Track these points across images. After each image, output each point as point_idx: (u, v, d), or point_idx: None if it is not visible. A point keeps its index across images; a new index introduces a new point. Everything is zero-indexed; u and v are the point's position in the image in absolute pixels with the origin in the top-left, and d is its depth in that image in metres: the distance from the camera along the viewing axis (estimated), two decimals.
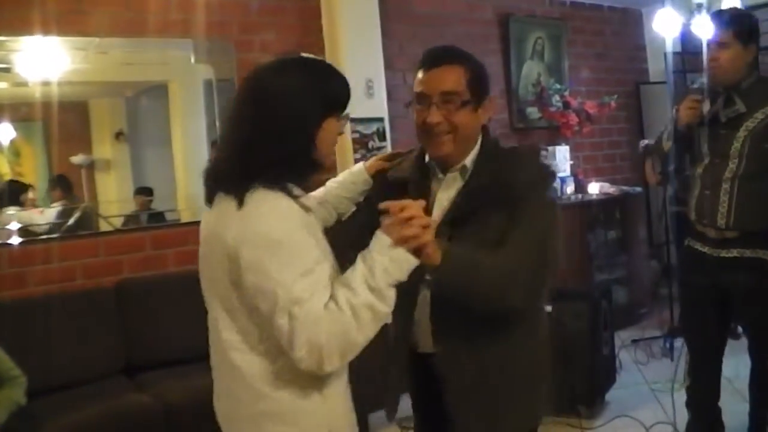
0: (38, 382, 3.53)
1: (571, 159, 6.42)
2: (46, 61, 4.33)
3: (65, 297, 4.16)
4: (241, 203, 1.71)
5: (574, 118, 6.37)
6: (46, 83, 4.35)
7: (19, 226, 4.32)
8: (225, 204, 1.76)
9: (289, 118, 1.76)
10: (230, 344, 1.83)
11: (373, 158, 2.43)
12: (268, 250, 1.66)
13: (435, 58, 2.12)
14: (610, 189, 6.44)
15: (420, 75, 2.12)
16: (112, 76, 4.81)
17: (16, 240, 4.24)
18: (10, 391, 3.30)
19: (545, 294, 2.14)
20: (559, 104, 6.40)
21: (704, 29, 3.45)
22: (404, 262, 1.72)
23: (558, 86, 6.52)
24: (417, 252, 1.74)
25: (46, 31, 4.27)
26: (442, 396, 2.13)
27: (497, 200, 2.03)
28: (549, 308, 4.33)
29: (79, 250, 4.41)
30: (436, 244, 1.79)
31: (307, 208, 1.81)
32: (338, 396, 1.90)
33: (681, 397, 4.09)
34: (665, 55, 6.38)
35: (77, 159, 4.71)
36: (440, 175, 2.18)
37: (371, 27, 5.23)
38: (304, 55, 1.91)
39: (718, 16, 3.44)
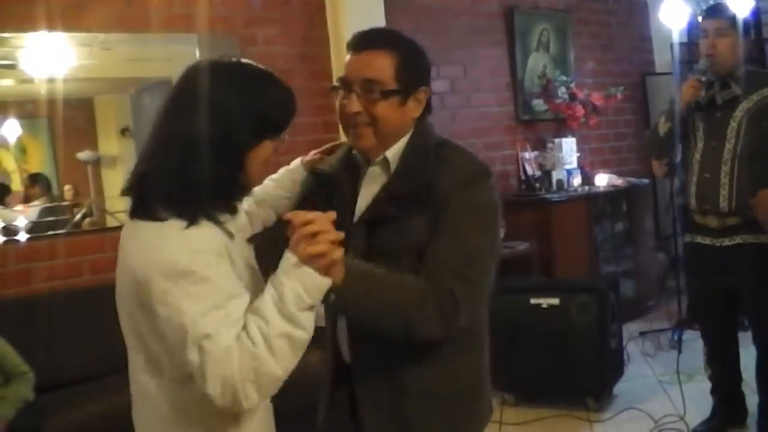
0: (44, 379, 3.54)
1: (578, 151, 6.40)
2: (50, 57, 4.32)
3: (71, 293, 4.17)
4: (152, 227, 1.57)
5: (580, 110, 6.34)
6: (51, 80, 4.35)
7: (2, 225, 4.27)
8: (139, 225, 1.60)
9: (218, 143, 1.58)
10: (139, 367, 1.66)
11: (312, 152, 2.24)
12: (176, 281, 1.50)
13: (363, 41, 1.92)
14: (616, 181, 6.42)
15: (347, 57, 1.92)
16: (117, 72, 4.81)
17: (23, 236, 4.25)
18: (18, 387, 3.31)
19: (478, 313, 1.90)
20: (565, 96, 6.38)
21: (704, 19, 3.63)
22: (314, 286, 1.54)
23: (564, 78, 6.49)
24: (327, 271, 1.56)
25: (51, 28, 4.26)
26: (357, 415, 1.96)
27: (419, 204, 1.82)
28: (557, 301, 4.36)
29: (86, 247, 4.41)
30: (342, 263, 1.61)
31: (230, 234, 1.65)
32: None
33: (689, 389, 4.11)
34: (672, 45, 6.36)
35: (83, 155, 4.72)
36: (365, 168, 1.97)
37: (376, 20, 5.20)
38: (245, 62, 1.71)
39: (716, 7, 3.65)
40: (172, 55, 4.92)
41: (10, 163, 4.47)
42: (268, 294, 1.53)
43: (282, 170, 2.25)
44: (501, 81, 6.33)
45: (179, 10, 4.72)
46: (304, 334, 1.55)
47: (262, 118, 1.63)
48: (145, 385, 1.65)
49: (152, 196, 1.58)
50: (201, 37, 4.86)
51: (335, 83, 1.94)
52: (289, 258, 1.54)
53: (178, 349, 1.51)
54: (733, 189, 3.46)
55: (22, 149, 4.51)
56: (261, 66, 1.71)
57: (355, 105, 1.85)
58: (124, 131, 4.91)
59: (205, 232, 1.57)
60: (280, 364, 1.51)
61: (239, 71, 1.67)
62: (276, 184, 2.22)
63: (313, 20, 5.21)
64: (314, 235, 1.54)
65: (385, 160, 1.91)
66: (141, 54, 4.79)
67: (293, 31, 5.17)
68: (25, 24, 4.22)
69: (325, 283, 1.56)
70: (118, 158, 4.89)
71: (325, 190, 1.95)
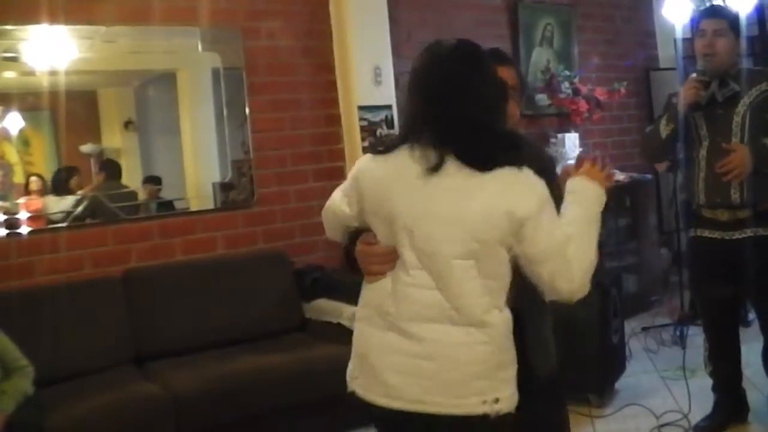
0: (46, 372, 3.53)
1: (581, 146, 6.37)
2: (53, 50, 4.32)
3: (73, 286, 4.17)
4: (506, 175, 1.99)
5: (583, 105, 6.33)
6: (53, 72, 4.35)
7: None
8: (484, 177, 1.98)
9: (494, 114, 2.06)
10: (484, 307, 2.01)
11: None
12: (546, 208, 2.00)
13: (504, 58, 2.48)
14: (619, 176, 6.39)
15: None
16: (120, 64, 4.80)
17: (25, 229, 4.26)
18: (18, 381, 3.30)
19: None
20: (569, 91, 6.36)
21: (702, 19, 3.68)
22: (602, 196, 2.18)
23: (567, 73, 6.47)
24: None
25: (53, 20, 4.26)
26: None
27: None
28: None
29: (87, 239, 4.41)
30: None
31: None
32: None
33: (691, 385, 4.10)
34: (675, 41, 6.34)
35: (86, 148, 4.72)
36: None
37: (379, 14, 5.20)
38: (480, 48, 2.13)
39: (713, 8, 3.76)
40: (175, 48, 4.93)
41: (13, 156, 4.46)
42: (573, 210, 2.11)
43: None
44: None
45: (182, 2, 4.72)
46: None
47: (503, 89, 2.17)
48: (490, 321, 2.03)
49: (484, 154, 2.00)
50: (204, 30, 4.86)
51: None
52: (588, 183, 2.17)
53: (539, 261, 2.00)
54: (743, 181, 3.49)
55: (24, 142, 4.50)
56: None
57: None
58: (127, 124, 4.91)
59: None
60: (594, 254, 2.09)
61: (483, 57, 2.11)
62: None
63: (316, 13, 5.20)
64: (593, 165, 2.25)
65: None
66: (144, 47, 4.78)
67: (296, 25, 5.15)
68: (28, 16, 4.22)
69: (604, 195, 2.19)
70: (121, 151, 4.89)
71: None
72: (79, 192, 4.59)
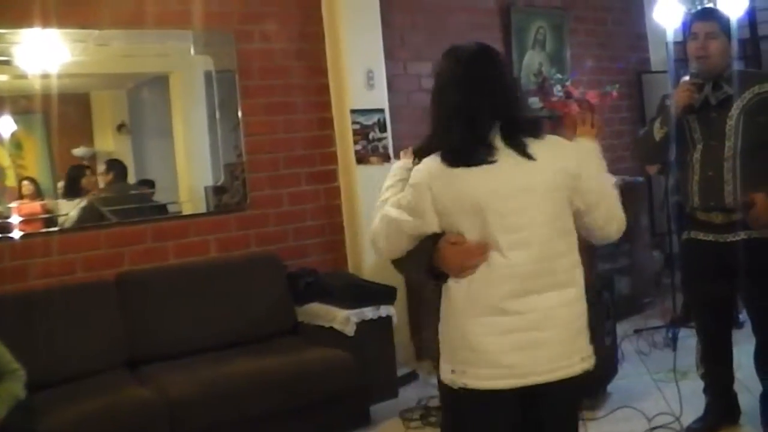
0: (39, 376, 3.53)
1: None
2: (45, 53, 4.32)
3: (66, 290, 4.16)
4: (550, 145, 2.27)
5: (575, 108, 6.33)
6: (46, 75, 4.34)
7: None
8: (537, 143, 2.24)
9: (518, 100, 2.36)
10: (570, 264, 2.28)
11: None
12: (594, 158, 2.43)
13: None
14: (612, 179, 6.39)
15: None
16: (113, 68, 4.80)
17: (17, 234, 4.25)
18: (10, 384, 3.28)
19: None
20: (561, 94, 6.37)
21: (694, 22, 3.70)
22: (599, 149, 2.49)
23: (560, 76, 6.48)
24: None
25: (46, 24, 4.25)
26: None
27: None
28: None
29: (80, 243, 4.40)
30: None
31: None
32: None
33: (682, 387, 4.11)
34: (666, 44, 6.36)
35: (79, 151, 4.71)
36: None
37: (371, 17, 5.21)
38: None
39: (705, 10, 3.80)
40: (168, 51, 4.93)
41: (5, 159, 4.45)
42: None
43: None
44: None
45: (175, 5, 4.71)
46: None
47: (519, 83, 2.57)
48: (577, 278, 2.31)
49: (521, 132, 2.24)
50: (197, 33, 4.86)
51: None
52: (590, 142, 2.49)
53: (596, 204, 2.33)
54: (737, 185, 3.49)
55: (17, 145, 4.50)
56: None
57: None
58: (120, 127, 4.91)
59: None
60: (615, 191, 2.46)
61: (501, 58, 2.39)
62: None
63: (309, 16, 5.20)
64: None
65: None
66: (137, 50, 4.78)
67: (289, 27, 5.15)
68: (20, 20, 4.21)
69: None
70: (114, 154, 4.88)
71: None
72: (93, 192, 4.64)
